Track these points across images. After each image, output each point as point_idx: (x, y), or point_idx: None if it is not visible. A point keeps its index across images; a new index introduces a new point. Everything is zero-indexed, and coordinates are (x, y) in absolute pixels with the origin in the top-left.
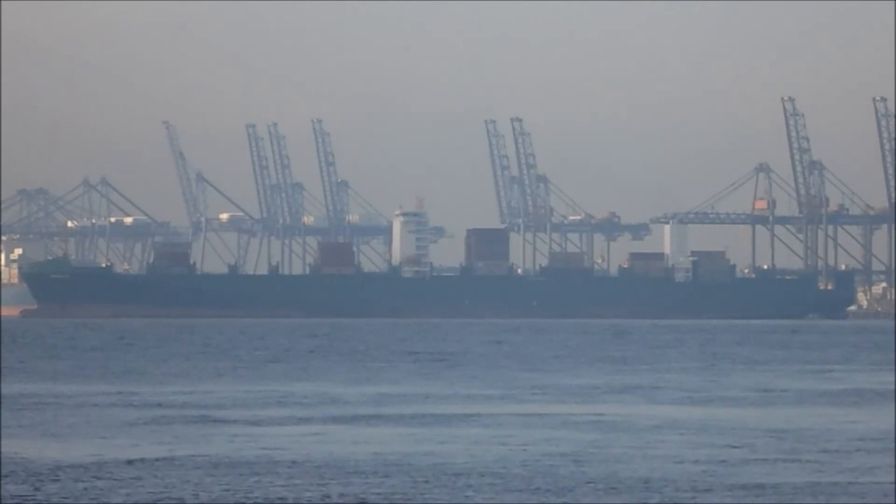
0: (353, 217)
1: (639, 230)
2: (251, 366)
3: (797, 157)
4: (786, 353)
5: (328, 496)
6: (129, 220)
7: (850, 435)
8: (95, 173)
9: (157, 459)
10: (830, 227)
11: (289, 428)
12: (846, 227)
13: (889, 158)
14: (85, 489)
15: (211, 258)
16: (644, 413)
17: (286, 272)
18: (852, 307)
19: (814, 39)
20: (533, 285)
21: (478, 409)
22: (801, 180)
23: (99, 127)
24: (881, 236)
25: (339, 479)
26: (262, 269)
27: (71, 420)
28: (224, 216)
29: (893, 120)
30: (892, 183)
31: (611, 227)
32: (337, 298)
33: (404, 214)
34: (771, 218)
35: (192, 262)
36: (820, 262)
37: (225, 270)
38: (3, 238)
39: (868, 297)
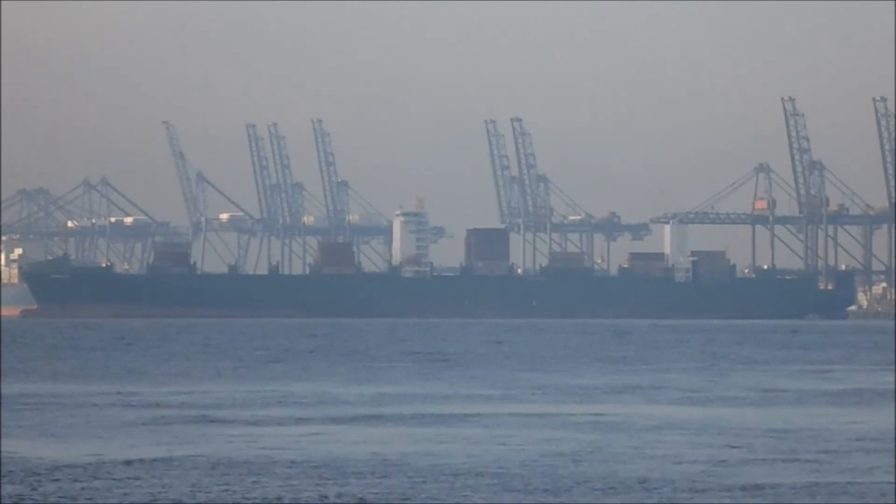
0: (353, 217)
1: (639, 230)
2: (251, 366)
3: (797, 157)
4: (786, 353)
5: (327, 496)
6: (129, 220)
7: (850, 435)
8: (95, 173)
9: (156, 460)
10: (830, 227)
11: (288, 428)
12: (846, 227)
13: (889, 158)
14: (83, 489)
15: (211, 258)
16: (644, 413)
17: (286, 272)
18: (852, 307)
19: (814, 39)
20: (533, 285)
21: (477, 409)
22: (801, 180)
23: (99, 127)
24: (881, 236)
25: (338, 479)
26: (262, 269)
27: (70, 420)
28: (224, 216)
29: (893, 120)
30: (892, 183)
31: (611, 227)
32: (337, 298)
33: (404, 214)
34: (771, 218)
35: (192, 262)
36: (820, 262)
37: (225, 270)
38: (3, 238)
39: (868, 297)
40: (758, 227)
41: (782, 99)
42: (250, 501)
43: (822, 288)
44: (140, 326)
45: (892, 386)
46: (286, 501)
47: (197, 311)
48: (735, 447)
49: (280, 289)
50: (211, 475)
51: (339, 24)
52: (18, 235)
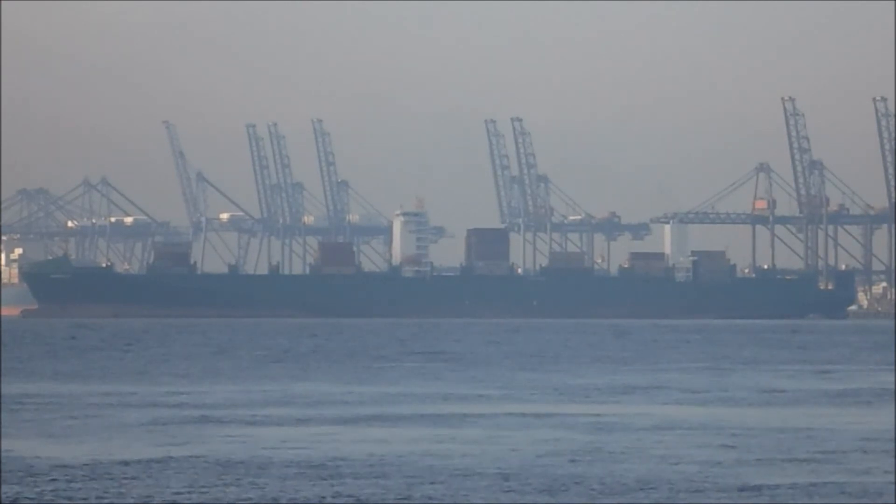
0: (354, 217)
1: (639, 230)
2: (251, 366)
3: (797, 156)
4: (786, 353)
5: (325, 496)
6: (129, 219)
7: (850, 435)
8: (95, 173)
9: (155, 460)
10: (830, 227)
11: (288, 428)
12: (846, 226)
13: (889, 158)
14: (82, 489)
15: (211, 258)
16: (643, 413)
17: (286, 272)
18: (852, 307)
19: (814, 39)
20: (533, 285)
21: (477, 409)
22: (801, 180)
23: (99, 127)
24: (881, 236)
25: (337, 478)
26: (263, 269)
27: (70, 420)
28: (224, 216)
29: (893, 120)
30: (893, 183)
31: (611, 226)
32: (337, 298)
33: (404, 214)
34: (771, 218)
35: (192, 261)
36: (820, 262)
37: (225, 270)
38: (3, 238)
39: (868, 297)
40: (758, 226)
41: (782, 99)
42: (249, 502)
43: (822, 288)
44: (140, 326)
45: (892, 386)
46: (284, 501)
47: (197, 311)
48: (735, 447)
49: (280, 289)
50: (210, 475)
51: (339, 24)
52: (18, 235)
